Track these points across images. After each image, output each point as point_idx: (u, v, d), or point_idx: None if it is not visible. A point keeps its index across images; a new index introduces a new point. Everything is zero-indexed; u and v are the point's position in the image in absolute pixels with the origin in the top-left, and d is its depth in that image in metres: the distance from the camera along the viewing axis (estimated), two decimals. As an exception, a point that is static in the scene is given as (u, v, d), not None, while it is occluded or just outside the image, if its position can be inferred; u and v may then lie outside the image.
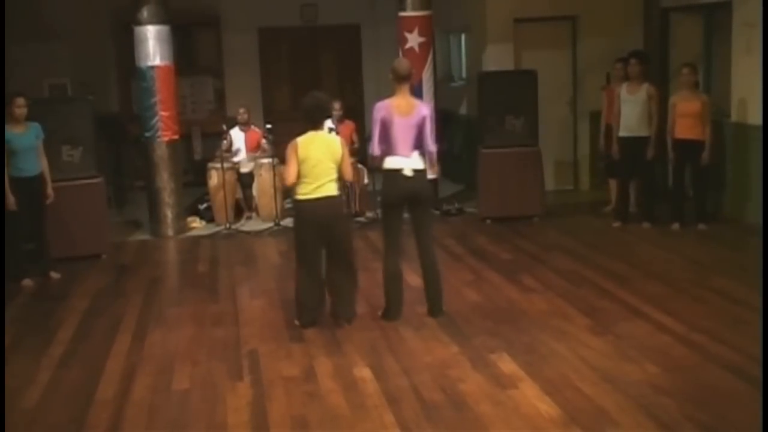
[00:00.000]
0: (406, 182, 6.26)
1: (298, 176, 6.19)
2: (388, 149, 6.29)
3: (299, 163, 6.16)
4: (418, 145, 6.31)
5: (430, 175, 6.59)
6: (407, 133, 6.25)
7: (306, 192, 6.21)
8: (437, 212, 9.92)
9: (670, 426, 4.54)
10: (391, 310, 6.47)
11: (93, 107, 9.21)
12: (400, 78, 6.32)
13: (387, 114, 6.25)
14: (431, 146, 6.36)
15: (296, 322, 6.45)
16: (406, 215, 6.45)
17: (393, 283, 6.46)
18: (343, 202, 6.43)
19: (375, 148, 6.31)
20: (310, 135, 6.26)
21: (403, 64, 6.48)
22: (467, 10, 11.85)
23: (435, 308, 6.50)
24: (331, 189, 6.25)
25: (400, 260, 6.52)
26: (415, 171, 6.27)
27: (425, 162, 6.36)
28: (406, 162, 6.25)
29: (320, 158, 6.18)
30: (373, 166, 6.63)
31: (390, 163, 6.29)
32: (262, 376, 5.49)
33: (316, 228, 6.25)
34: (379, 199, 6.68)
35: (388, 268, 6.45)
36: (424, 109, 6.40)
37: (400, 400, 5.02)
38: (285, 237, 9.32)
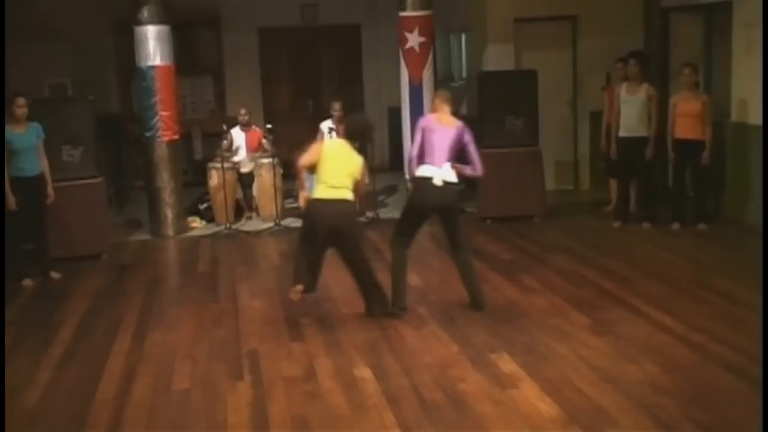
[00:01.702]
0: (434, 192, 6.42)
1: (317, 177, 6.34)
2: (423, 157, 6.48)
3: (320, 161, 6.32)
4: (452, 157, 6.48)
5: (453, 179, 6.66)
6: (444, 143, 6.45)
7: (320, 192, 6.33)
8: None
9: (670, 426, 4.54)
10: (400, 299, 6.57)
11: (93, 107, 9.21)
12: (446, 100, 6.65)
13: (429, 124, 6.56)
14: (479, 170, 6.57)
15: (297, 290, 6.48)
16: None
17: (400, 272, 6.59)
18: (355, 209, 6.54)
19: (414, 152, 6.54)
20: (340, 142, 6.49)
21: (447, 93, 6.90)
22: (467, 10, 11.86)
23: (478, 302, 6.63)
24: (345, 194, 6.35)
25: (407, 254, 6.64)
26: (445, 183, 6.41)
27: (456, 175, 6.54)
28: (437, 172, 6.40)
29: (339, 165, 6.32)
30: (409, 172, 6.89)
31: (421, 171, 6.47)
32: (263, 376, 5.49)
33: (323, 229, 6.30)
34: (406, 202, 6.90)
35: (397, 258, 6.60)
36: (466, 133, 6.57)
37: (400, 400, 5.02)
38: (285, 237, 9.32)
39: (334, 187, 6.29)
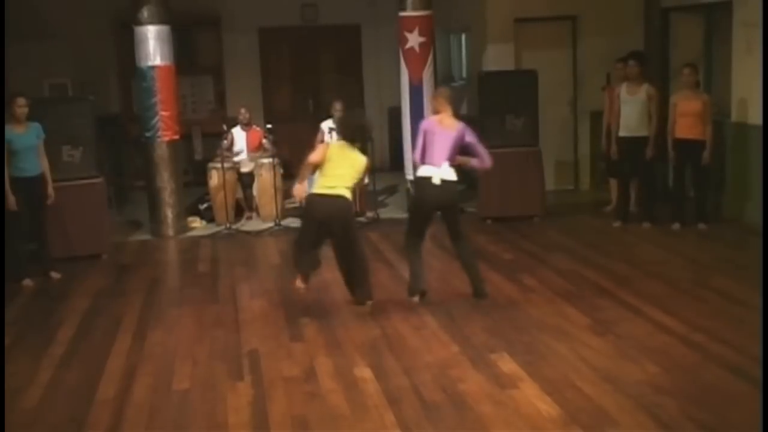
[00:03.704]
0: (433, 190, 6.63)
1: (321, 174, 6.52)
2: (424, 157, 6.72)
3: (325, 161, 6.49)
4: (451, 157, 6.68)
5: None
6: (444, 144, 6.66)
7: (320, 188, 6.51)
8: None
9: (670, 426, 4.54)
10: (416, 283, 6.77)
11: (93, 107, 9.21)
12: (448, 100, 6.84)
13: (430, 126, 6.78)
14: (487, 162, 6.86)
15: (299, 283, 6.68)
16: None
17: (416, 260, 6.78)
18: (352, 206, 6.71)
19: (417, 156, 6.78)
20: (343, 144, 6.60)
21: (448, 90, 7.22)
22: (467, 10, 11.86)
23: (480, 291, 6.84)
24: (343, 192, 6.51)
25: (422, 249, 6.89)
26: (444, 181, 6.62)
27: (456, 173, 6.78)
28: (436, 171, 6.61)
29: (340, 166, 6.49)
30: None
31: (421, 171, 6.72)
32: (263, 376, 5.49)
33: (320, 222, 6.47)
34: (409, 204, 7.09)
35: (409, 248, 6.81)
36: (467, 134, 6.78)
37: (401, 400, 5.02)
38: (285, 237, 9.32)
39: (334, 185, 6.46)
